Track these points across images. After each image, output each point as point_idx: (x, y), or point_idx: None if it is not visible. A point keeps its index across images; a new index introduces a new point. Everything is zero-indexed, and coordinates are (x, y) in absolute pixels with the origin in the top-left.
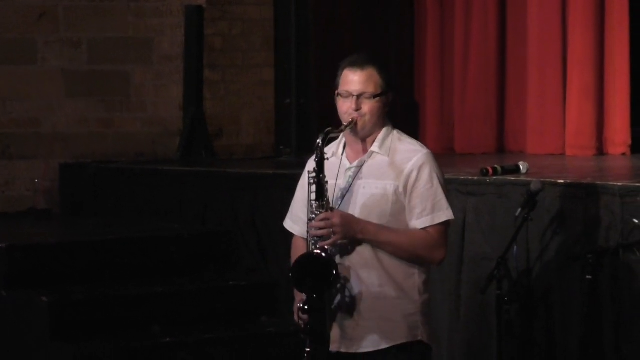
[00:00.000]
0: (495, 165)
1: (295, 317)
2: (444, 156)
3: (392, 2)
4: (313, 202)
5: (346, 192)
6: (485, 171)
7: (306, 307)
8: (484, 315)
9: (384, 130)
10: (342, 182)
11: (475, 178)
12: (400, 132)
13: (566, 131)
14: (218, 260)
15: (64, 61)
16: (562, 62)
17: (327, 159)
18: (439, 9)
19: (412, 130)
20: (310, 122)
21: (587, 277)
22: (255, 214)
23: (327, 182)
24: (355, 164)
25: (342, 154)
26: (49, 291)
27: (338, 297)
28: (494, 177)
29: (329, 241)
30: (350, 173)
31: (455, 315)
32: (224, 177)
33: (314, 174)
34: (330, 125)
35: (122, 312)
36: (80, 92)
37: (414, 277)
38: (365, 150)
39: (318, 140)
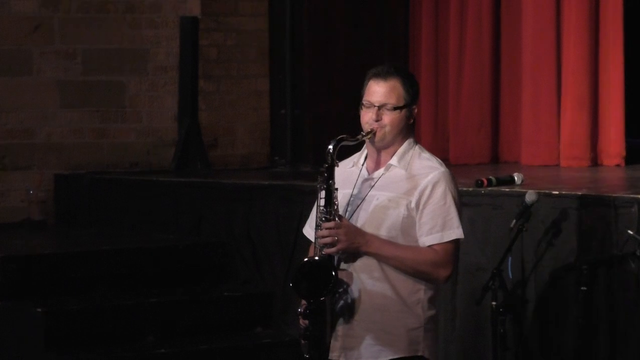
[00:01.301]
0: (490, 177)
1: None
2: None
3: (386, 12)
4: (321, 208)
5: (360, 202)
6: (479, 182)
7: (307, 312)
8: (479, 326)
9: (406, 143)
10: (357, 192)
11: (470, 189)
12: (422, 147)
13: (560, 142)
14: (213, 270)
15: (59, 72)
16: (556, 73)
17: (337, 165)
18: (433, 19)
19: None
20: (305, 133)
21: (582, 288)
22: (250, 224)
23: (336, 189)
24: (372, 175)
25: (362, 164)
26: (44, 302)
27: (340, 303)
28: (489, 188)
29: (333, 249)
30: (367, 184)
31: (451, 326)
32: (218, 187)
33: (323, 180)
34: (326, 135)
35: (117, 323)
36: (75, 102)
37: (420, 293)
38: (384, 162)
39: (329, 147)
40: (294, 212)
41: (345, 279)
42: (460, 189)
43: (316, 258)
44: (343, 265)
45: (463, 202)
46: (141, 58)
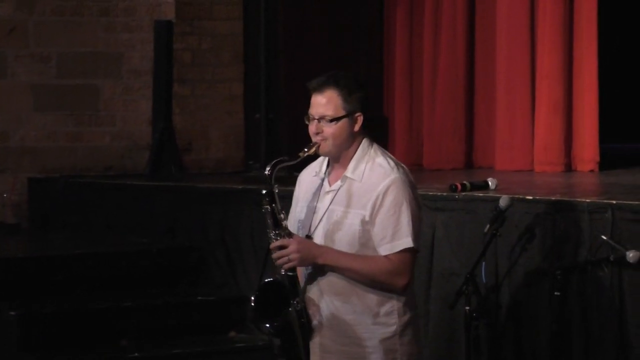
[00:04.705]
0: (464, 181)
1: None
2: (412, 172)
3: (361, 17)
4: (272, 233)
5: (321, 217)
6: (454, 187)
7: (276, 331)
8: (452, 330)
9: (360, 149)
10: (319, 206)
11: (444, 194)
12: (378, 149)
13: (535, 147)
14: (187, 274)
15: (34, 75)
16: (530, 78)
17: (277, 190)
18: (407, 24)
19: (381, 145)
20: (280, 137)
21: (556, 293)
22: (224, 228)
23: (282, 212)
24: (332, 187)
25: (324, 174)
26: (18, 305)
27: (314, 322)
28: (463, 193)
29: (290, 264)
30: (327, 197)
31: (424, 330)
32: (193, 191)
33: (267, 204)
34: (300, 139)
35: (91, 326)
36: (49, 106)
37: (392, 301)
38: (342, 173)
39: (266, 172)
40: None
41: (314, 299)
42: (434, 194)
43: (275, 278)
44: (310, 286)
45: (437, 207)
46: (115, 62)
